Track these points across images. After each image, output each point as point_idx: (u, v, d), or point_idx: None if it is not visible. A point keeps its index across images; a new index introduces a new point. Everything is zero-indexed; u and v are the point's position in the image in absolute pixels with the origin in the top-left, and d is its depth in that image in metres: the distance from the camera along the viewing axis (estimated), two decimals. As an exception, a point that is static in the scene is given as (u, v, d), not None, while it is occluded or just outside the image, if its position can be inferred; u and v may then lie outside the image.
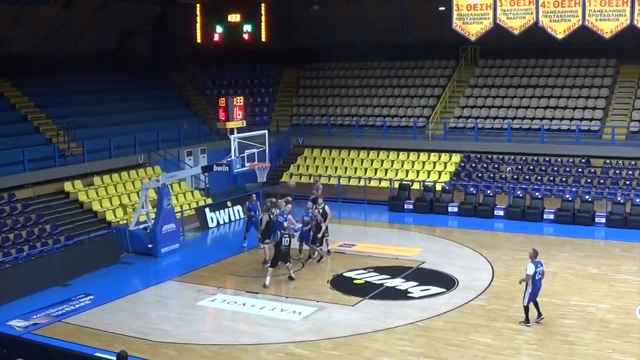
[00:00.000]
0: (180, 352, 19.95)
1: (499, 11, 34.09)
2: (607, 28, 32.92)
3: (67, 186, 33.24)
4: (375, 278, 25.59)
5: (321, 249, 28.03)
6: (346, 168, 41.73)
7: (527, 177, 37.75)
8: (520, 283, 21.25)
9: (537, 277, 20.89)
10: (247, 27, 46.38)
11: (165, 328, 21.77)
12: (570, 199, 34.27)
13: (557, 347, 19.69)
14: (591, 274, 26.17)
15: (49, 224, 30.12)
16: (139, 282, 26.93)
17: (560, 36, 33.61)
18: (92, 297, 24.45)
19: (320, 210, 27.95)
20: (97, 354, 18.60)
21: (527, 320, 21.02)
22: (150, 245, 29.45)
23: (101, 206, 33.00)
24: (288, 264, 25.38)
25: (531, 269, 20.80)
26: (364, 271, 26.49)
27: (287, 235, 24.98)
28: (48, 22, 38.19)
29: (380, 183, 39.62)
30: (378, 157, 41.85)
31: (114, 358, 14.84)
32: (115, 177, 35.31)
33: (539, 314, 21.26)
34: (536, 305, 21.17)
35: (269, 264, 25.39)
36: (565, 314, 22.14)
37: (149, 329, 21.59)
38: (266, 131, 31.42)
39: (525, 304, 20.95)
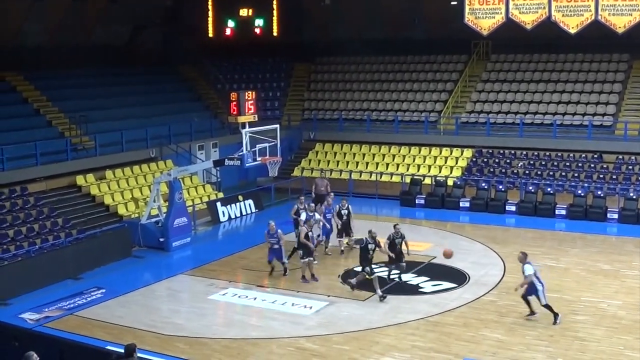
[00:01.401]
0: (192, 345, 20.00)
1: (511, 5, 34.01)
2: (620, 23, 32.80)
3: (80, 180, 33.33)
4: (386, 273, 25.55)
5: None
6: (357, 163, 41.71)
7: (539, 172, 37.65)
8: (516, 290, 21.17)
9: (537, 275, 20.92)
10: (259, 21, 46.48)
11: (177, 322, 21.84)
12: (582, 194, 34.21)
13: (568, 343, 19.65)
14: (603, 269, 26.11)
15: (61, 218, 30.24)
16: (150, 275, 26.99)
17: (573, 31, 33.49)
18: (103, 290, 24.53)
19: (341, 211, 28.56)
20: (108, 347, 18.64)
21: (555, 315, 20.87)
22: (161, 239, 29.52)
23: (113, 200, 33.09)
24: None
25: (530, 269, 20.73)
26: (375, 266, 26.41)
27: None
28: (60, 16, 38.34)
29: (391, 178, 39.57)
30: (389, 151, 41.82)
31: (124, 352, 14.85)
32: (127, 171, 35.38)
33: (532, 312, 21.21)
34: (529, 303, 21.16)
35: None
36: (576, 310, 22.10)
37: (160, 323, 21.65)
38: (278, 125, 31.44)
39: (544, 304, 20.86)
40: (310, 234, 25.21)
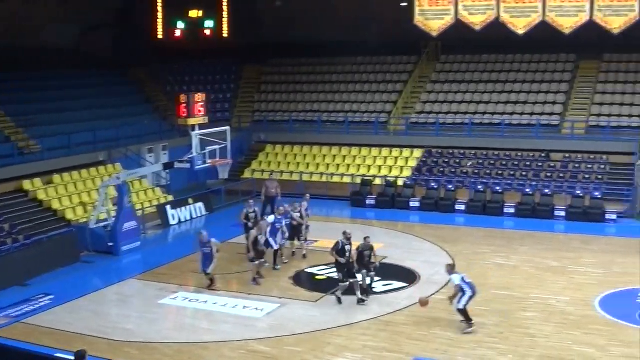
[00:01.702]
0: (142, 351, 19.81)
1: (460, 7, 34.34)
2: (567, 24, 33.30)
3: (26, 184, 32.84)
4: (337, 274, 25.55)
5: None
6: (308, 164, 41.77)
7: (487, 171, 38.00)
8: (450, 300, 20.72)
9: (467, 281, 20.50)
10: (209, 23, 46.40)
11: (127, 327, 21.61)
12: (530, 192, 34.61)
13: (519, 340, 19.84)
14: (551, 266, 26.42)
15: (7, 223, 29.73)
16: (99, 281, 26.65)
17: (520, 32, 33.92)
18: (52, 296, 24.17)
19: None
20: (57, 355, 18.39)
21: (469, 321, 20.47)
22: (110, 244, 29.20)
23: (61, 204, 32.67)
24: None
25: (457, 278, 20.45)
26: (326, 267, 26.49)
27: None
28: (8, 18, 37.73)
29: (342, 179, 39.66)
30: (340, 152, 41.94)
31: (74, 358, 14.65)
32: (75, 175, 34.94)
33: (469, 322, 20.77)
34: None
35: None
36: (526, 307, 22.33)
37: (110, 328, 21.40)
38: (228, 127, 31.36)
39: (461, 307, 20.37)
40: (260, 237, 25.08)
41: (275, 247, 26.39)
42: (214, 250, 24.31)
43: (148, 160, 39.09)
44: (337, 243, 23.12)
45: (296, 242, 28.13)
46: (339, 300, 22.84)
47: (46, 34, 40.33)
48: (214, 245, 24.37)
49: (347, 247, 22.99)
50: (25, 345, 19.59)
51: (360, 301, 22.83)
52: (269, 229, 26.25)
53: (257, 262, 25.00)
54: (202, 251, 24.51)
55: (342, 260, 22.83)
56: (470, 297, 20.38)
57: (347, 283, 22.72)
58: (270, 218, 27.10)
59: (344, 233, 23.32)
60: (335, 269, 23.51)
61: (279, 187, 33.78)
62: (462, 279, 20.46)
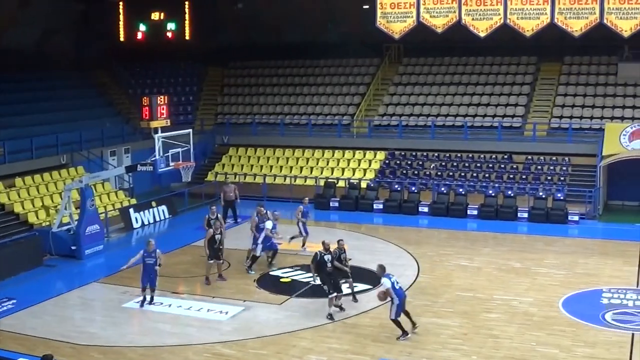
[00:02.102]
0: (106, 354, 19.69)
1: (422, 9, 34.40)
2: (528, 26, 33.51)
3: (-13, 188, 32.56)
4: (301, 276, 25.60)
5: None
6: (271, 166, 41.72)
7: (450, 173, 38.19)
8: (380, 298, 20.51)
9: (397, 287, 20.17)
10: (171, 25, 46.30)
11: (91, 331, 21.47)
12: (493, 194, 34.85)
13: (482, 341, 19.96)
14: (514, 268, 26.61)
15: (-32, 227, 29.49)
16: (62, 284, 26.45)
17: (482, 34, 34.08)
18: (14, 301, 23.92)
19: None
20: (21, 359, 18.24)
21: (404, 333, 20.03)
22: (73, 247, 29.00)
23: (23, 208, 32.36)
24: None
25: (387, 283, 19.99)
26: (291, 269, 26.50)
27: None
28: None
29: (305, 181, 39.66)
30: (303, 155, 41.94)
31: (38, 363, 14.57)
32: (37, 178, 34.64)
33: (414, 324, 20.48)
34: (407, 314, 20.40)
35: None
36: (489, 308, 22.48)
37: (73, 332, 21.24)
38: (190, 130, 31.22)
39: (393, 318, 20.03)
40: (217, 236, 24.97)
41: (260, 254, 26.39)
42: (158, 261, 23.17)
43: (111, 163, 38.90)
44: (315, 255, 22.51)
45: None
46: (331, 317, 21.89)
47: (7, 36, 39.97)
48: (159, 257, 23.24)
49: (327, 257, 22.30)
50: (-12, 350, 19.45)
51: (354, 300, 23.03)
52: (262, 235, 26.20)
53: (211, 262, 25.01)
54: (144, 261, 23.16)
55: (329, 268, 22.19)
56: (399, 306, 19.97)
57: (335, 295, 22.10)
58: (269, 224, 26.60)
59: (323, 243, 22.69)
60: (319, 281, 22.76)
61: (237, 190, 33.82)
62: (393, 285, 20.00)
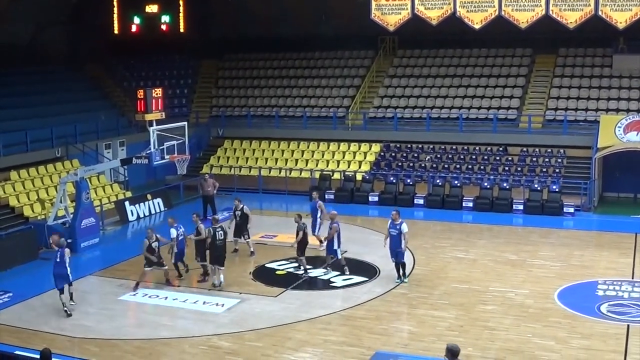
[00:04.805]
0: (102, 347, 19.69)
1: (417, 2, 34.46)
2: (523, 18, 33.56)
3: (-18, 181, 32.51)
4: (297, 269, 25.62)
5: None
6: (267, 159, 41.66)
7: (446, 165, 38.19)
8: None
9: (180, 238, 24.66)
10: (165, 18, 46.20)
11: (86, 324, 21.46)
12: (488, 186, 34.85)
13: (478, 333, 19.99)
14: (510, 260, 26.64)
15: (-37, 220, 29.45)
16: (58, 277, 26.40)
17: (477, 26, 34.13)
18: (10, 294, 23.96)
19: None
20: (17, 352, 18.22)
21: (180, 275, 24.81)
22: (69, 240, 28.89)
23: (18, 201, 32.32)
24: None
25: (173, 232, 24.42)
26: (286, 262, 26.51)
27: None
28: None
29: (301, 174, 39.63)
30: (298, 147, 41.89)
31: (35, 356, 14.52)
32: (32, 172, 34.61)
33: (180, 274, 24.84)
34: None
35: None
36: (485, 300, 22.50)
37: (69, 325, 21.24)
38: (185, 123, 31.23)
39: (173, 262, 24.64)
40: (155, 244, 24.21)
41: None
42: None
43: (106, 156, 38.85)
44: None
45: (240, 239, 27.87)
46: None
47: (1, 30, 39.80)
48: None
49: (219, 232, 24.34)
50: (-16, 343, 19.43)
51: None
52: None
53: (149, 269, 24.30)
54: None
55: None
56: (176, 254, 24.47)
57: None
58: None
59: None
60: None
61: (215, 184, 33.57)
62: (178, 235, 24.71)
